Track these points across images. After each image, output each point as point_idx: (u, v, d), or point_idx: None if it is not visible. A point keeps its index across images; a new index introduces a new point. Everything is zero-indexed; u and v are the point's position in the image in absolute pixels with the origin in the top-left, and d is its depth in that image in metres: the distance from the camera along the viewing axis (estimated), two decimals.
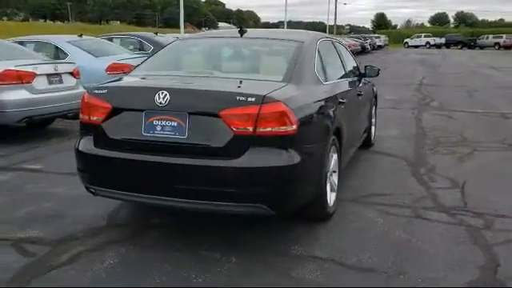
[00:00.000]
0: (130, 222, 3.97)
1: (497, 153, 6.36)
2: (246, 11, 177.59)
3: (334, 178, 3.99)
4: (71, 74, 7.43)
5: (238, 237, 3.61)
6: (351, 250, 3.38)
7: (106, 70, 8.59)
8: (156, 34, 12.11)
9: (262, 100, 3.02)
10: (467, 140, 7.07)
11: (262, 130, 3.01)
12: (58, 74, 7.16)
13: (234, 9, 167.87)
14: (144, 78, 3.75)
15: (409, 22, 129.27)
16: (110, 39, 11.44)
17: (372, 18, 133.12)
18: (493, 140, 7.03)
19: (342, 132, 4.09)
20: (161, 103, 3.11)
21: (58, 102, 7.04)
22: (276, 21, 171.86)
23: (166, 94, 3.10)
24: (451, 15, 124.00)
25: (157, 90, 3.14)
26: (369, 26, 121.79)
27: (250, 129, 3.01)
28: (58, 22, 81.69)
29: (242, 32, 4.16)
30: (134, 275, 3.04)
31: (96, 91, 3.38)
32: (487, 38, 57.20)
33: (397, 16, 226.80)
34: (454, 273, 3.07)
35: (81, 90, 7.58)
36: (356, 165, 5.49)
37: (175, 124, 3.13)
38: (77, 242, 3.50)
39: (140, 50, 11.30)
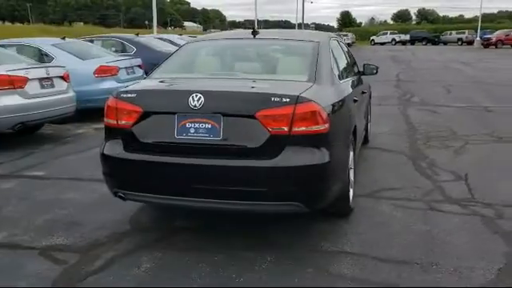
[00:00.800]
0: (154, 225, 3.96)
1: (489, 145, 6.61)
2: (212, 10, 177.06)
3: (351, 175, 4.09)
4: (62, 77, 7.30)
5: (267, 236, 3.66)
6: (380, 244, 3.49)
7: (94, 73, 8.49)
8: (137, 34, 11.97)
9: (297, 100, 3.08)
10: (457, 134, 7.32)
11: (296, 129, 3.07)
12: (50, 78, 7.02)
13: (199, 8, 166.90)
14: (172, 81, 3.75)
15: (373, 19, 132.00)
16: (91, 41, 11.25)
17: (337, 16, 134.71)
18: (482, 133, 7.30)
19: (356, 129, 4.20)
20: (195, 106, 3.12)
21: (51, 107, 6.91)
22: (242, 19, 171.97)
23: (200, 97, 3.12)
24: (413, 12, 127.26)
25: (190, 92, 3.15)
26: (333, 24, 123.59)
27: (286, 129, 3.06)
28: (18, 24, 79.16)
29: (255, 33, 4.21)
30: (175, 277, 3.05)
31: (124, 95, 3.36)
32: (450, 34, 58.94)
33: (361, 14, 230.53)
34: (482, 261, 3.21)
35: (72, 93, 7.48)
36: (359, 161, 5.61)
37: (209, 126, 3.15)
38: (106, 248, 3.47)
39: (122, 51, 11.16)
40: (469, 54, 33.66)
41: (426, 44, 58.64)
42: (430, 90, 12.98)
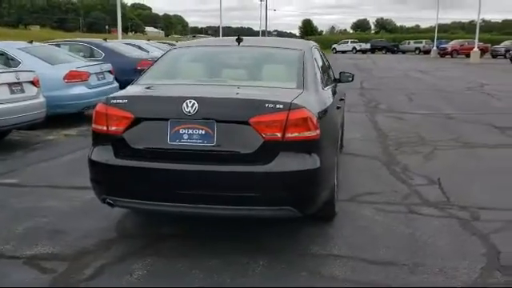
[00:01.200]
0: (141, 232, 3.92)
1: (455, 150, 6.89)
2: (174, 16, 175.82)
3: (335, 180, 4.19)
4: (32, 82, 7.10)
5: (255, 241, 3.70)
6: (366, 247, 3.59)
7: (64, 78, 8.29)
8: (105, 39, 11.78)
9: (290, 106, 3.15)
10: (425, 140, 7.58)
11: (289, 135, 3.13)
12: (20, 83, 6.83)
13: (160, 13, 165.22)
14: (163, 88, 3.74)
15: (333, 28, 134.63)
16: (58, 45, 10.99)
17: (298, 24, 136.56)
18: (448, 139, 7.59)
19: (340, 135, 4.31)
20: (189, 112, 3.14)
21: (21, 113, 6.71)
22: (204, 25, 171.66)
23: (194, 103, 3.14)
24: (372, 22, 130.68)
25: (184, 99, 3.17)
26: (295, 32, 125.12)
27: (279, 134, 3.12)
28: None
29: (239, 40, 4.26)
30: (170, 284, 3.04)
31: (114, 101, 3.33)
32: (409, 43, 60.87)
33: (322, 22, 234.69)
34: (465, 261, 3.36)
35: (42, 99, 7.29)
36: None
37: (203, 132, 3.17)
38: (94, 256, 3.42)
39: (90, 57, 10.96)
40: (427, 63, 34.84)
41: (385, 53, 60.29)
42: (393, 97, 13.37)
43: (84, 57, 10.77)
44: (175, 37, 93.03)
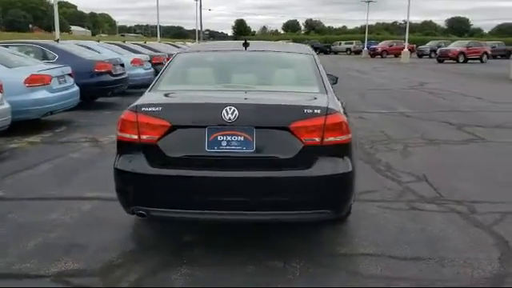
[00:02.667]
0: (162, 242, 3.82)
1: (425, 147, 7.30)
2: (101, 14, 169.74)
3: None
4: None
5: (280, 245, 3.73)
6: (388, 244, 3.74)
7: (25, 82, 7.83)
8: (57, 41, 11.22)
9: (326, 111, 3.23)
10: (393, 138, 7.95)
11: (327, 139, 3.21)
12: None
13: (86, 11, 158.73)
14: (194, 94, 3.71)
15: (265, 28, 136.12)
16: (6, 47, 10.31)
17: (230, 23, 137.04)
18: (414, 137, 8.01)
19: None
20: (229, 119, 3.12)
21: None
22: (133, 24, 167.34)
23: (234, 110, 3.12)
24: (302, 22, 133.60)
25: (224, 106, 3.14)
26: (227, 31, 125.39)
27: (317, 139, 3.19)
28: None
29: (246, 45, 4.27)
30: None
31: (146, 109, 3.24)
32: (340, 44, 63.07)
33: (253, 22, 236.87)
34: (482, 252, 3.60)
35: (6, 105, 6.86)
36: None
37: (241, 138, 3.17)
38: (125, 270, 3.31)
39: (43, 59, 10.39)
40: (361, 63, 36.30)
41: (318, 53, 61.52)
42: (347, 97, 13.64)
43: (37, 59, 10.20)
44: (103, 36, 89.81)
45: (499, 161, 6.58)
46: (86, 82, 9.83)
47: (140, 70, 13.23)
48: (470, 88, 16.51)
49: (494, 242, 3.81)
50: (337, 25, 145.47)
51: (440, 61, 35.87)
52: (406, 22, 45.08)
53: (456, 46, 37.73)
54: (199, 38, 54.27)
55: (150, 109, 3.24)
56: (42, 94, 7.97)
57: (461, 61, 35.15)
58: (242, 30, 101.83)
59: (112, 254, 3.54)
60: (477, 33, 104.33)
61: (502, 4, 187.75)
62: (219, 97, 3.44)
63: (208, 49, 4.81)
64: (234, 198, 3.19)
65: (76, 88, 9.05)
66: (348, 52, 59.47)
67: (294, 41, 68.38)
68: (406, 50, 39.36)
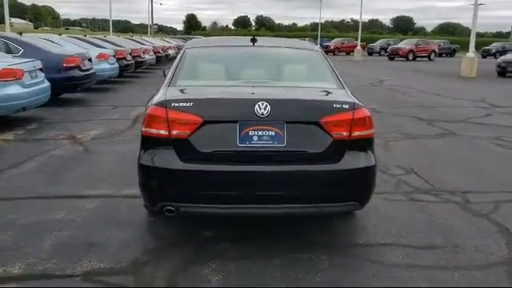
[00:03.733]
0: (183, 238, 3.78)
1: (404, 141, 7.59)
2: (43, 6, 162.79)
3: None
4: None
5: (301, 238, 3.80)
6: (402, 233, 3.90)
7: None
8: (20, 33, 10.70)
9: (354, 106, 3.33)
10: None
11: (354, 134, 3.32)
12: None
13: (27, 3, 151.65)
14: (222, 90, 3.72)
15: (215, 23, 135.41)
16: None
17: (179, 18, 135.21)
18: (391, 131, 8.30)
19: None
20: (262, 114, 3.15)
21: None
22: (78, 17, 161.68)
23: (266, 105, 3.16)
24: (252, 19, 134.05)
25: (256, 101, 3.17)
26: (177, 26, 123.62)
27: (345, 134, 3.29)
28: None
29: (253, 40, 4.31)
30: (256, 283, 3.06)
31: (177, 104, 3.20)
32: None
33: (203, 18, 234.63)
34: (488, 238, 3.83)
35: None
36: None
37: (273, 133, 3.21)
38: (154, 267, 3.27)
39: (7, 52, 9.90)
40: None
41: None
42: None
43: None
44: (46, 29, 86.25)
45: (475, 153, 6.98)
46: (53, 77, 9.44)
47: (105, 65, 12.88)
48: (426, 85, 17.24)
49: (497, 229, 4.06)
50: (287, 22, 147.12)
51: (391, 58, 37.16)
52: (353, 21, 46.27)
53: (406, 44, 39.19)
54: (151, 33, 53.33)
55: (181, 104, 3.21)
56: (13, 89, 7.61)
57: (410, 58, 36.56)
58: (193, 25, 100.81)
59: (135, 251, 3.49)
60: (420, 31, 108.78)
61: (443, 4, 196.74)
62: (249, 92, 3.46)
63: (216, 44, 4.79)
64: (265, 192, 3.23)
65: (47, 83, 8.71)
66: None
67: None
68: (358, 47, 40.40)
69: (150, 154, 3.30)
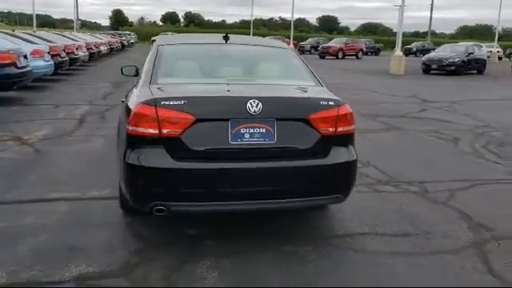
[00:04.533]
0: (167, 238, 3.72)
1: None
2: None
3: None
4: None
5: (283, 231, 3.90)
6: (376, 223, 4.11)
7: None
8: None
9: (338, 103, 3.47)
10: None
11: (339, 129, 3.46)
12: None
13: None
14: (210, 87, 3.70)
15: (142, 19, 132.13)
16: None
17: (103, 13, 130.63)
18: None
19: None
20: (254, 112, 3.20)
21: None
22: (5, 11, 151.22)
23: (258, 103, 3.21)
24: (181, 15, 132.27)
25: (247, 99, 3.21)
26: (101, 21, 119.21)
27: (331, 129, 3.43)
28: None
29: (226, 38, 4.34)
30: (252, 277, 3.12)
31: (167, 102, 3.16)
32: None
33: (131, 13, 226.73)
34: (453, 224, 4.15)
35: None
36: None
37: (263, 130, 3.27)
38: (146, 268, 3.22)
39: None
40: None
41: None
42: None
43: None
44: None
45: (420, 145, 7.45)
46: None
47: (41, 62, 12.22)
48: (361, 82, 18.03)
49: (458, 215, 4.39)
50: (216, 19, 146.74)
51: (322, 57, 38.28)
52: (281, 19, 47.09)
53: (336, 43, 40.57)
54: (76, 28, 51.10)
55: (171, 102, 3.17)
56: None
57: (340, 57, 37.90)
58: (120, 21, 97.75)
59: (121, 254, 3.42)
60: (345, 31, 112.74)
61: (363, 4, 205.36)
62: (240, 90, 3.49)
63: (190, 41, 4.75)
64: (257, 187, 3.28)
65: None
66: None
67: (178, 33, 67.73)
68: (291, 45, 41.24)
69: (138, 153, 3.24)
